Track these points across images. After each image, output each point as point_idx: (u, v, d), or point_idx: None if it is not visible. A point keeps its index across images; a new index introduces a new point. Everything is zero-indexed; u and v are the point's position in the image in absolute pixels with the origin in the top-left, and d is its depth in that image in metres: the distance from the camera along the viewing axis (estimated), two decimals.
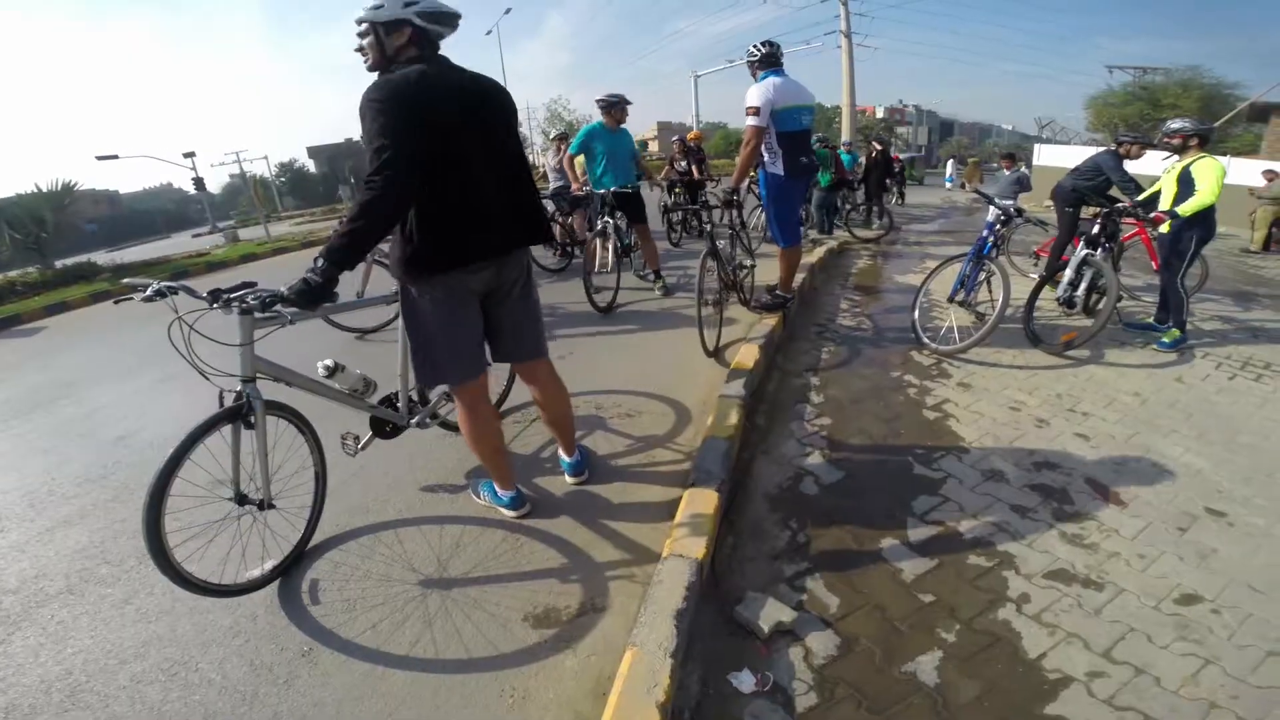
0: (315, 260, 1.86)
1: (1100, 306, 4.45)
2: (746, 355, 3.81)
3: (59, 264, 12.11)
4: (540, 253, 7.12)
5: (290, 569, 2.26)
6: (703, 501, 2.35)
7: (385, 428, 2.64)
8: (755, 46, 4.32)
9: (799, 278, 5.94)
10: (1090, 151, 7.28)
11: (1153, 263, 5.38)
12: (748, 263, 5.00)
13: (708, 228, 4.45)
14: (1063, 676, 1.76)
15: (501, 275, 2.19)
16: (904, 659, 1.83)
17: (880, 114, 55.48)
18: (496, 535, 2.41)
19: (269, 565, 2.19)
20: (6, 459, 3.56)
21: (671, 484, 2.66)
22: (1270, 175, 9.84)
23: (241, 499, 2.11)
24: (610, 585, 2.13)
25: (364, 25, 1.98)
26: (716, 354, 4.10)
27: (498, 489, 2.50)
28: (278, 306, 1.95)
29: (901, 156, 18.53)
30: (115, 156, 24.03)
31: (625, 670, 1.65)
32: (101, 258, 14.46)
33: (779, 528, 2.45)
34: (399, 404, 2.68)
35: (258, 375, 2.05)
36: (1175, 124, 4.43)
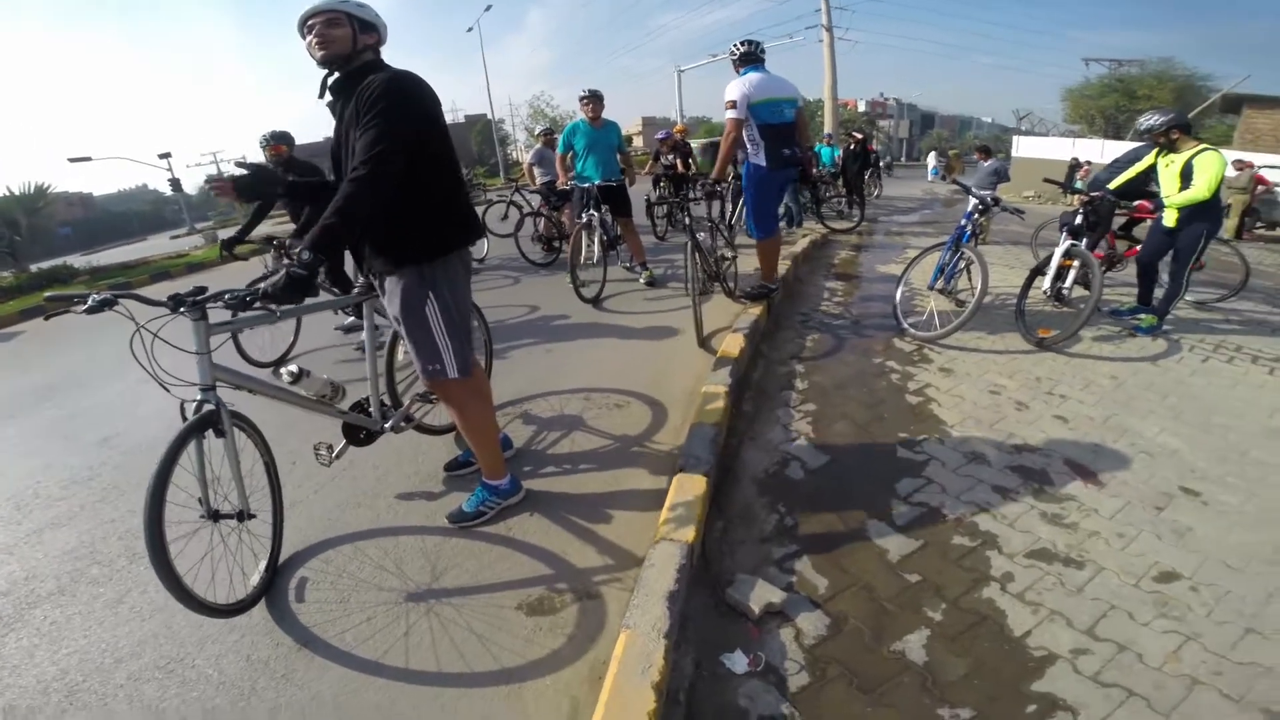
0: (298, 253, 1.82)
1: (1076, 296, 4.50)
2: (732, 344, 3.85)
3: (34, 268, 11.93)
4: (528, 247, 7.14)
5: (282, 567, 2.26)
6: (691, 487, 2.38)
7: (359, 434, 2.58)
8: (736, 45, 4.45)
9: (782, 267, 6.01)
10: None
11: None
12: (729, 254, 5.06)
13: (687, 221, 4.53)
14: (1048, 654, 1.78)
15: None
16: (893, 638, 1.86)
17: (862, 107, 55.66)
18: (486, 529, 2.42)
19: (262, 565, 2.18)
20: None
21: (660, 473, 2.69)
22: (1240, 165, 10.05)
23: (215, 515, 2.01)
24: (602, 573, 2.16)
25: (335, 15, 1.99)
26: (703, 343, 4.17)
27: (494, 481, 2.48)
28: (257, 304, 1.89)
29: (876, 148, 18.59)
30: (88, 158, 23.74)
31: (620, 652, 1.67)
32: (77, 261, 14.23)
33: (767, 511, 2.49)
34: (371, 409, 2.61)
35: (218, 383, 1.98)
36: (1151, 120, 4.32)
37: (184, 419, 1.91)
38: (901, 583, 2.08)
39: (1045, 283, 4.48)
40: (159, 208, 57.54)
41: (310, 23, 2.00)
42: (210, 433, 1.95)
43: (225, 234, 4.57)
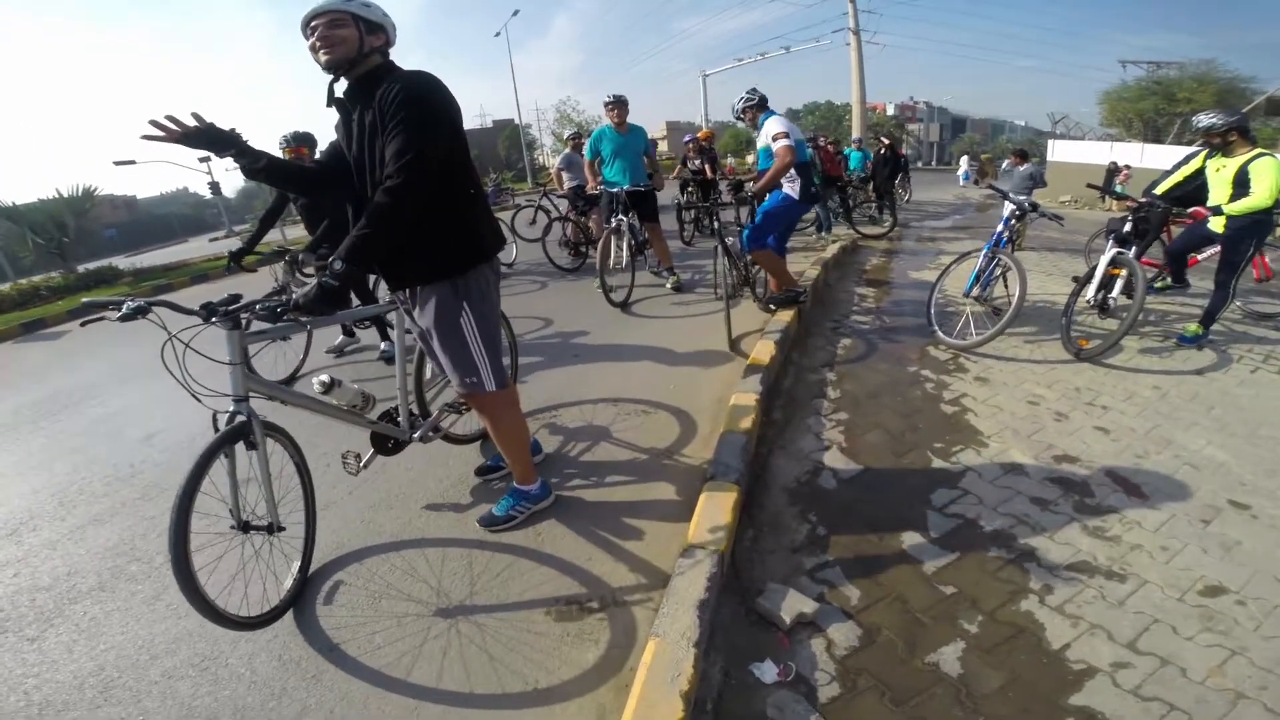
0: (330, 263, 1.80)
1: (1120, 306, 4.36)
2: (762, 351, 3.82)
3: (81, 268, 12.32)
4: (555, 252, 7.19)
5: (315, 569, 2.29)
6: (722, 495, 2.36)
7: (387, 444, 2.56)
8: (749, 93, 4.60)
9: (812, 273, 5.97)
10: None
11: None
12: None
13: (715, 226, 4.62)
14: (1087, 667, 1.75)
15: None
16: (926, 650, 1.83)
17: (891, 111, 54.99)
18: (516, 536, 2.43)
19: (294, 568, 2.20)
20: (37, 459, 3.64)
21: (690, 481, 2.67)
22: None
23: (246, 526, 2.00)
24: (630, 581, 2.15)
25: (339, 15, 1.89)
26: (734, 345, 4.18)
27: (524, 486, 2.49)
28: (289, 315, 1.87)
29: (906, 152, 18.38)
30: (133, 161, 24.34)
31: (649, 660, 1.66)
32: (122, 262, 14.64)
33: (798, 521, 2.46)
34: (400, 418, 2.60)
35: (251, 394, 1.95)
36: (1207, 120, 4.12)
37: (215, 430, 1.89)
38: (936, 595, 2.04)
39: (1090, 291, 4.32)
40: (199, 210, 58.97)
41: (313, 24, 1.90)
42: (241, 444, 1.92)
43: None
